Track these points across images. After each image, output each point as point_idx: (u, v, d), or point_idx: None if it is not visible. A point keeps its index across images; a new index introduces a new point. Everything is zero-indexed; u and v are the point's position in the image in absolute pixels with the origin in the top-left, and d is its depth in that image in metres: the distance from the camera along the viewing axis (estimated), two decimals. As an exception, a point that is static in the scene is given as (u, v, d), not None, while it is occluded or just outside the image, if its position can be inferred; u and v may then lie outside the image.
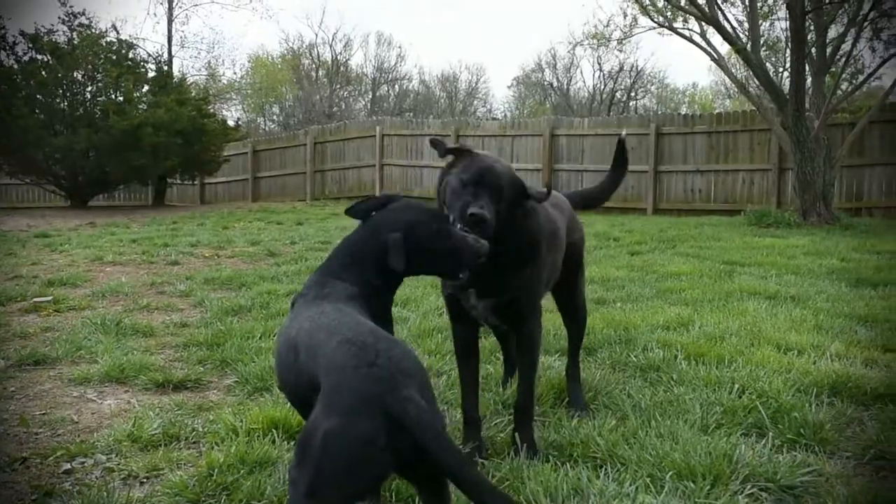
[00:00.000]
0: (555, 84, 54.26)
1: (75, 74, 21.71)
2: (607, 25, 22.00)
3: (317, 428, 2.14)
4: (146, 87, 23.36)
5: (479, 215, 3.12)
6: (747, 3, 17.20)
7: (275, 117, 54.71)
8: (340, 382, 2.19)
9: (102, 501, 3.05)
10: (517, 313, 3.58)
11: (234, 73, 52.59)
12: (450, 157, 3.43)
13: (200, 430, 3.92)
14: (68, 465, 3.54)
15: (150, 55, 27.36)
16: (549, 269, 3.74)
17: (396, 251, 2.85)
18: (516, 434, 3.51)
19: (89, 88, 22.22)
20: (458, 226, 3.12)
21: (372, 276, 2.89)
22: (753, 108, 17.21)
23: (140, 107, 21.78)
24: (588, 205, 4.68)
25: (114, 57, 22.56)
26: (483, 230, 3.13)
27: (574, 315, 4.35)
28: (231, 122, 29.24)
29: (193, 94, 25.28)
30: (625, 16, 20.09)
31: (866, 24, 15.86)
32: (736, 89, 27.07)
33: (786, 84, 16.80)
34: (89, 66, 21.81)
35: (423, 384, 2.28)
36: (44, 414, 4.23)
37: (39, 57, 21.68)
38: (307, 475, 2.12)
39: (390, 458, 2.13)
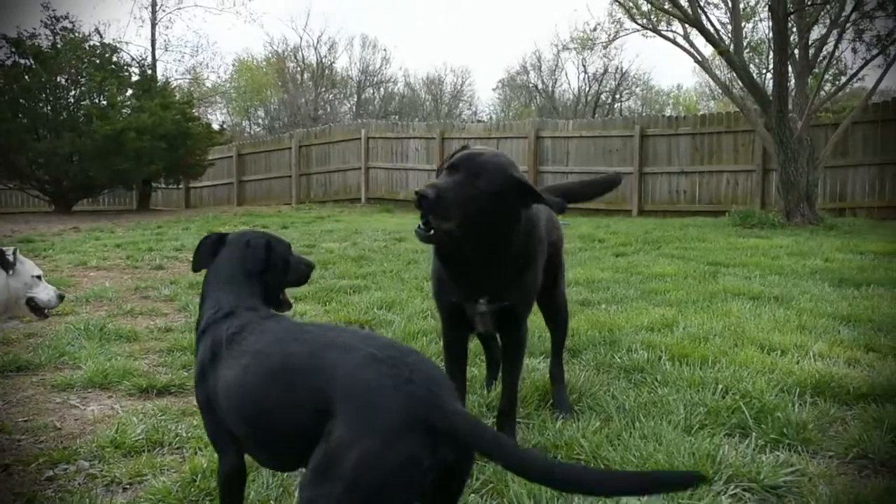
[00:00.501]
0: (540, 86, 54.39)
1: (59, 78, 21.60)
2: (594, 29, 22.13)
3: (348, 447, 2.04)
4: (130, 91, 23.28)
5: (420, 193, 3.07)
6: (730, 5, 17.29)
7: (260, 121, 54.64)
8: (377, 402, 2.09)
9: (85, 508, 3.03)
10: (515, 318, 3.61)
11: (219, 77, 52.41)
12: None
13: (184, 435, 3.90)
14: (51, 472, 3.53)
15: (133, 59, 27.33)
16: (542, 272, 3.76)
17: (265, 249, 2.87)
18: (500, 436, 3.51)
19: (73, 92, 22.13)
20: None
21: (262, 293, 2.86)
22: (737, 109, 17.28)
23: (123, 111, 21.69)
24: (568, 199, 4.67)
25: (97, 61, 22.48)
26: (427, 208, 3.09)
27: (556, 316, 4.35)
28: (216, 126, 29.12)
29: (177, 98, 25.19)
30: (612, 19, 20.19)
31: (848, 25, 15.98)
32: (720, 91, 27.20)
33: (769, 85, 16.90)
34: (73, 70, 21.72)
35: (455, 394, 2.22)
36: (26, 420, 4.21)
37: (22, 61, 21.55)
38: (334, 495, 2.04)
39: (430, 478, 2.07)
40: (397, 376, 2.12)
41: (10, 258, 4.03)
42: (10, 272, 4.02)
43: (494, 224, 3.28)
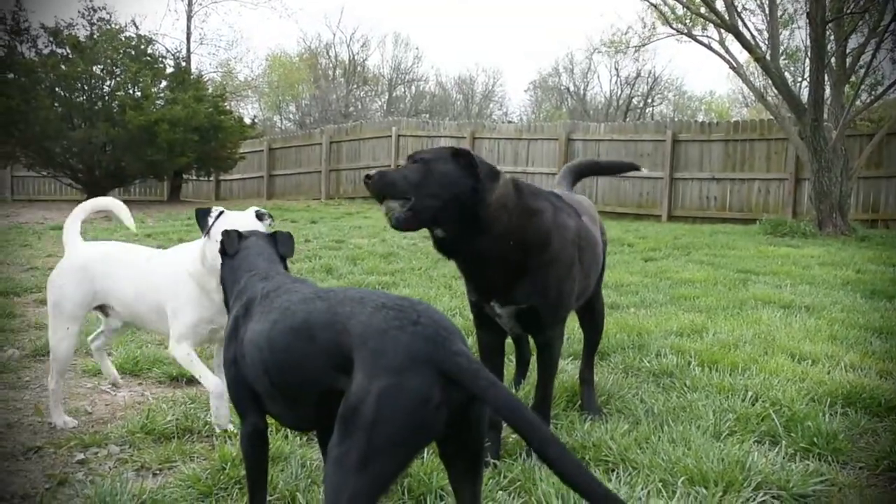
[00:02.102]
0: (571, 89, 54.20)
1: (94, 69, 21.76)
2: (626, 33, 22.02)
3: (365, 392, 2.09)
4: (164, 83, 23.42)
5: (366, 175, 3.21)
6: (767, 11, 17.14)
7: (291, 116, 54.76)
8: (385, 344, 2.16)
9: (115, 492, 3.06)
10: (537, 322, 3.53)
11: (251, 71, 52.60)
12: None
13: (213, 424, 3.94)
14: (82, 455, 3.58)
15: (168, 51, 27.47)
16: (579, 276, 3.65)
17: (289, 241, 3.21)
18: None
19: (108, 83, 22.26)
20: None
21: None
22: (771, 117, 17.13)
23: (157, 102, 21.83)
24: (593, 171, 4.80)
25: (133, 52, 22.62)
26: (373, 185, 3.17)
27: (592, 319, 4.33)
28: (247, 120, 29.25)
29: (210, 91, 25.32)
30: (644, 24, 20.08)
31: (887, 34, 15.77)
32: (754, 98, 27.00)
33: (804, 94, 16.72)
34: (108, 61, 21.88)
35: (464, 341, 2.26)
36: (58, 404, 4.25)
37: (59, 50, 21.76)
38: (358, 446, 2.07)
39: (442, 418, 2.11)
40: (404, 318, 2.21)
41: (211, 220, 3.64)
42: (206, 237, 3.68)
43: (448, 192, 3.18)
